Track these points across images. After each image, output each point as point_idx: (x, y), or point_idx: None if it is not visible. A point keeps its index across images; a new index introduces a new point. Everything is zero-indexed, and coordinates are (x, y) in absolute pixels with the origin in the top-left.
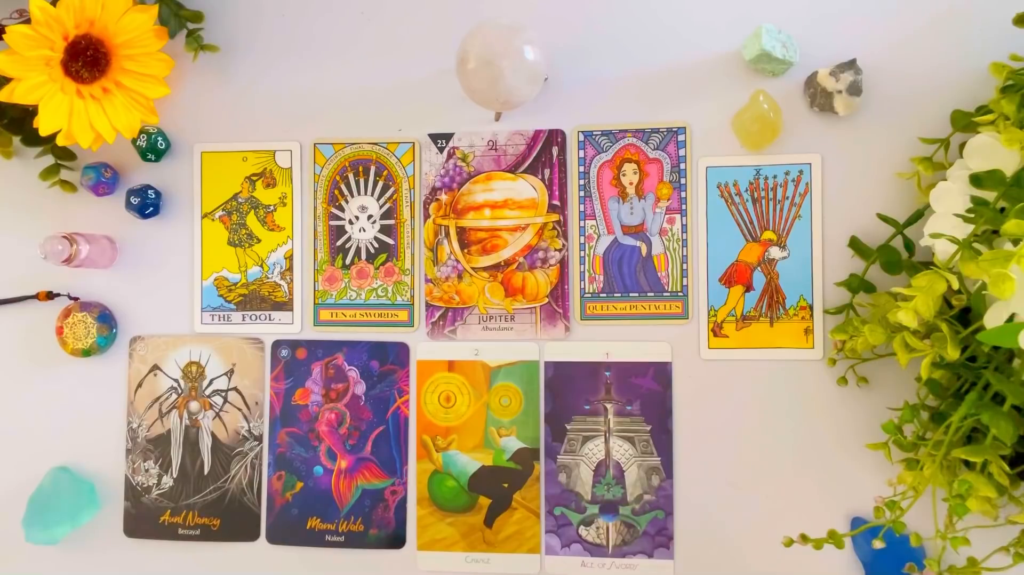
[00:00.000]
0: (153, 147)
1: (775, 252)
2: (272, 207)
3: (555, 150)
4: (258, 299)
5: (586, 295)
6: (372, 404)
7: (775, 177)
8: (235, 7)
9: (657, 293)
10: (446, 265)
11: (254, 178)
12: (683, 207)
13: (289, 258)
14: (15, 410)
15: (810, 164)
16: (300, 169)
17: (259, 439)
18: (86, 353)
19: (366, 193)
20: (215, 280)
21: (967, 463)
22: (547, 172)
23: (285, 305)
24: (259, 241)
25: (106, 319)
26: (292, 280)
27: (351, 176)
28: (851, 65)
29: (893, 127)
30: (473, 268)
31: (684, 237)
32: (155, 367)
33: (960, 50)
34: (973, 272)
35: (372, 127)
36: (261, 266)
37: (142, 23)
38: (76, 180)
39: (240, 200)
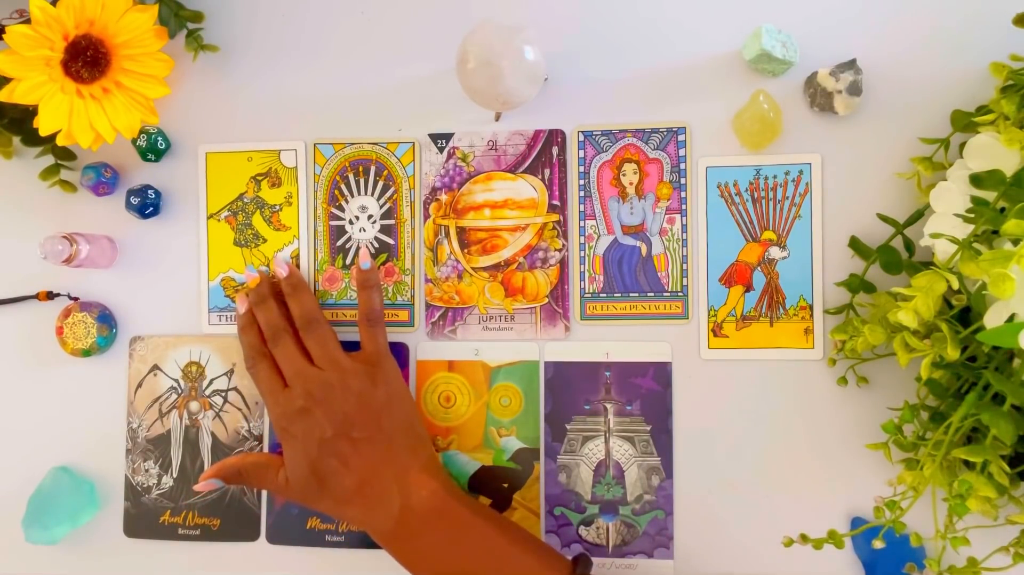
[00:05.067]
0: (153, 147)
1: (775, 252)
2: (278, 207)
3: (555, 150)
4: None
5: (586, 295)
6: None
7: (775, 177)
8: (235, 7)
9: (657, 293)
10: (446, 265)
11: (259, 178)
12: (683, 207)
13: (296, 258)
14: (15, 410)
15: (810, 164)
16: (305, 169)
17: (259, 439)
18: (86, 353)
19: (366, 193)
20: (222, 280)
21: (967, 463)
22: (547, 172)
23: None
24: (265, 241)
25: (106, 319)
26: None
27: (351, 176)
28: (851, 65)
29: (893, 127)
30: (473, 268)
31: (684, 237)
32: (155, 367)
33: (960, 50)
34: (973, 272)
35: (372, 127)
36: (268, 266)
37: (142, 23)
38: (76, 180)
39: (246, 200)
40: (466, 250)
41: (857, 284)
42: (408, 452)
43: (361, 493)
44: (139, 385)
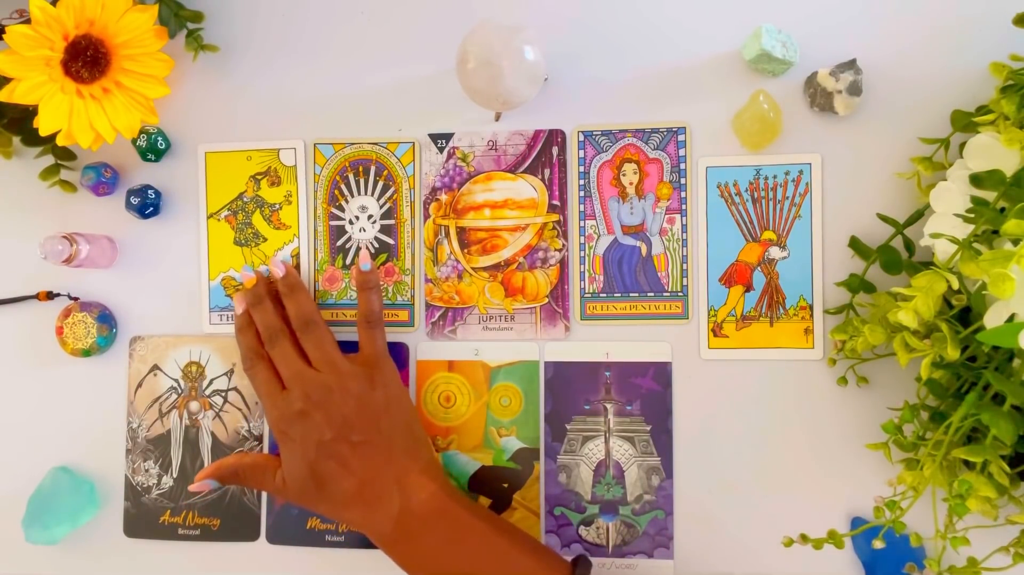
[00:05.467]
0: (153, 147)
1: (775, 252)
2: (277, 205)
3: (555, 150)
4: None
5: (586, 295)
6: None
7: (775, 177)
8: (235, 7)
9: (657, 293)
10: (446, 265)
11: (258, 177)
12: (683, 207)
13: (296, 257)
14: (15, 410)
15: (810, 164)
16: (304, 168)
17: (259, 439)
18: (86, 353)
19: (366, 193)
20: (222, 280)
21: (967, 463)
22: (547, 172)
23: None
24: (265, 240)
25: (106, 319)
26: None
27: (351, 176)
28: (851, 65)
29: (893, 127)
30: (473, 268)
31: (684, 237)
32: (155, 367)
33: (960, 50)
34: (973, 272)
35: (372, 127)
36: (266, 265)
37: (142, 23)
38: (76, 180)
39: (245, 199)
40: (466, 250)
41: (857, 284)
42: (407, 454)
43: (360, 496)
44: (139, 385)
